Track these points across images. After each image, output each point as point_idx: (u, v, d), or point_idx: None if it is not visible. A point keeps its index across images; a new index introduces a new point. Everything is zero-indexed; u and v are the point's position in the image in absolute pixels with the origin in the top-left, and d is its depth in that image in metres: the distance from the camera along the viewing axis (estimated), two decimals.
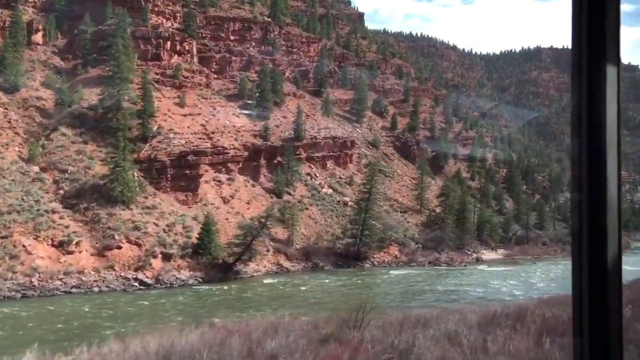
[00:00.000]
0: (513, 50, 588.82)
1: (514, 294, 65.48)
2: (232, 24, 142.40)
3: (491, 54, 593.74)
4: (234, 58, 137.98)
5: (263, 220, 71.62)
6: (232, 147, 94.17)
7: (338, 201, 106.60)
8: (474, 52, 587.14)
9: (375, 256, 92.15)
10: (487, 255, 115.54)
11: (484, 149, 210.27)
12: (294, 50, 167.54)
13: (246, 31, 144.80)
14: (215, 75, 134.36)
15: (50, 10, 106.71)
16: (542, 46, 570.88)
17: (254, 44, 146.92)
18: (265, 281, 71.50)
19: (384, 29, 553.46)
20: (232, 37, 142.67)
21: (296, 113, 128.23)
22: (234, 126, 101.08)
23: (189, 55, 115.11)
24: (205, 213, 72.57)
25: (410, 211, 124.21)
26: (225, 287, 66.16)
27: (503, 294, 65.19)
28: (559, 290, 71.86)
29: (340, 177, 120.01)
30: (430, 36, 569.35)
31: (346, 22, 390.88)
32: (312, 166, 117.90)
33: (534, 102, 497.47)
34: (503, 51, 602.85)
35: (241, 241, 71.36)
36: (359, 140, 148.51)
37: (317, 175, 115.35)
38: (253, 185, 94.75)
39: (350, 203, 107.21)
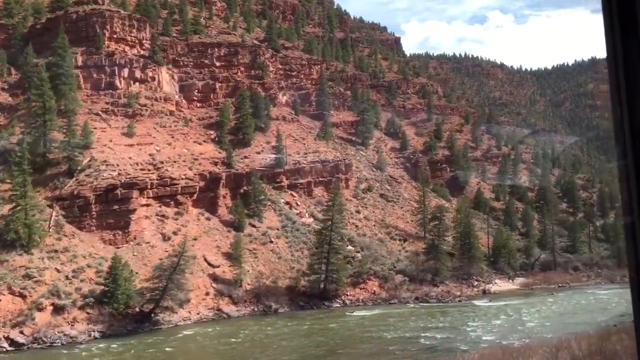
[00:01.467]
0: (566, 64, 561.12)
1: (482, 340, 51.22)
2: (216, 49, 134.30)
3: (543, 69, 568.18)
4: (218, 84, 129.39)
5: (175, 259, 60.07)
6: (183, 177, 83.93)
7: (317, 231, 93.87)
8: (524, 69, 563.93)
9: (348, 294, 78.80)
10: (500, 285, 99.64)
11: (517, 167, 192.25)
12: (293, 73, 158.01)
13: (232, 56, 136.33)
14: (199, 104, 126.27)
15: (4, 47, 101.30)
16: (598, 57, 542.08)
17: (242, 69, 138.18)
18: (187, 332, 59.80)
19: (426, 52, 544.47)
20: (217, 63, 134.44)
21: (285, 138, 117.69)
22: (192, 154, 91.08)
23: (154, 82, 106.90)
24: (115, 255, 61.83)
25: (411, 238, 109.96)
26: (131, 342, 54.84)
27: (466, 341, 50.99)
28: (548, 332, 56.80)
29: (326, 205, 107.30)
30: (475, 56, 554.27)
31: (379, 46, 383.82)
32: (295, 194, 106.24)
33: (592, 116, 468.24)
34: (555, 65, 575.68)
35: (155, 286, 60.16)
36: (361, 164, 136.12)
37: (299, 203, 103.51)
38: (208, 219, 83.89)
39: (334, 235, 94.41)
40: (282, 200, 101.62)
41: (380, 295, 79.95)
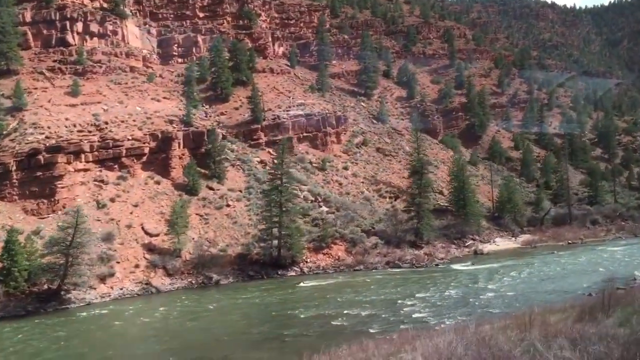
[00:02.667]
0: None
1: (411, 318, 42.30)
2: None
3: (599, 5, 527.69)
4: (201, 37, 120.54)
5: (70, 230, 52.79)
6: (130, 137, 76.49)
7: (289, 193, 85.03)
8: (577, 7, 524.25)
9: (308, 261, 70.40)
10: (499, 244, 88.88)
11: (548, 113, 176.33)
12: (291, 22, 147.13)
13: (217, 5, 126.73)
14: (181, 59, 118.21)
15: None
16: None
17: (229, 19, 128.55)
18: (100, 311, 53.22)
19: None
20: (200, 14, 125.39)
21: (261, 91, 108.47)
22: (146, 113, 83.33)
23: (116, 37, 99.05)
24: (12, 227, 55.27)
25: (405, 195, 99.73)
26: (23, 326, 48.57)
27: (390, 321, 42.13)
28: (501, 306, 46.82)
29: (310, 162, 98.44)
30: None
31: None
32: (273, 152, 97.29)
33: None
34: (613, 1, 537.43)
35: (56, 261, 53.45)
36: (360, 116, 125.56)
37: (276, 162, 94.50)
38: (158, 183, 76.47)
39: (306, 194, 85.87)
40: (257, 159, 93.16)
41: (345, 262, 71.10)
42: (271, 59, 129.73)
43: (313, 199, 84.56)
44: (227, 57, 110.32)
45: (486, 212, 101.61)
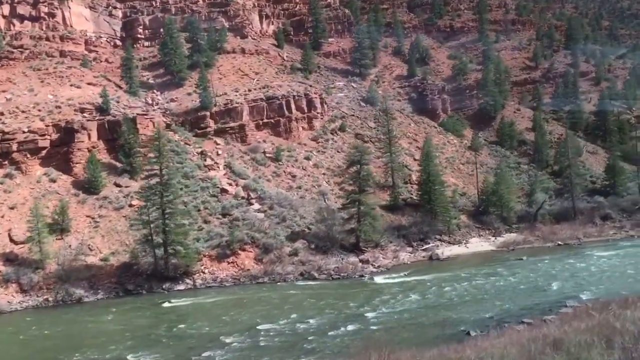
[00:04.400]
0: None
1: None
2: None
3: None
4: (171, 18, 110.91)
5: None
6: (27, 130, 68.10)
7: (222, 190, 74.18)
8: None
9: (205, 271, 59.50)
10: (471, 246, 74.35)
11: (592, 89, 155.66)
12: None
13: None
14: (147, 42, 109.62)
15: None
16: None
17: None
18: None
19: None
20: None
21: (222, 74, 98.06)
22: (57, 101, 74.65)
23: (53, 19, 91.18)
24: None
25: (377, 188, 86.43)
26: None
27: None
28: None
29: (264, 152, 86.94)
30: None
31: None
32: (219, 141, 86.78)
33: None
34: None
35: None
36: (348, 98, 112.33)
37: (220, 152, 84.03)
38: (53, 181, 67.65)
39: (238, 190, 74.80)
40: (197, 150, 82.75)
41: (249, 272, 59.54)
42: (254, 39, 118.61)
43: (245, 195, 73.17)
44: (185, 38, 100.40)
45: (472, 207, 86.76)
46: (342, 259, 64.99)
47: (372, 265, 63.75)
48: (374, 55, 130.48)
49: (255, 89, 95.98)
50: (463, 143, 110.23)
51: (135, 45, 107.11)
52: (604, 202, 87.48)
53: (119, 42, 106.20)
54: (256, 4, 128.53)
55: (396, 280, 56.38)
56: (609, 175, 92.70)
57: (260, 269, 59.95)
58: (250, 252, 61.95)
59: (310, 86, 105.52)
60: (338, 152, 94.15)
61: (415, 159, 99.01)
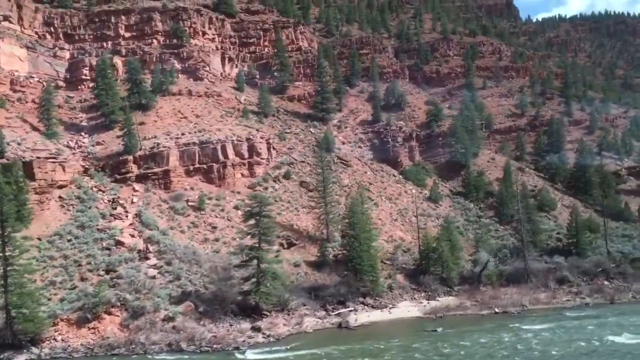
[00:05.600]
0: None
1: None
2: (124, 17, 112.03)
3: None
4: (120, 59, 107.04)
5: None
6: None
7: (117, 242, 66.91)
8: None
9: (58, 339, 51.77)
10: (396, 312, 65.56)
11: (586, 139, 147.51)
12: (251, 40, 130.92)
13: (145, 24, 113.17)
14: (92, 84, 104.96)
15: None
16: None
17: (161, 38, 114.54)
18: None
19: (559, 15, 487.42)
20: (126, 34, 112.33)
21: (159, 116, 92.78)
22: None
23: None
24: None
25: (308, 242, 78.77)
26: None
27: None
28: None
29: (187, 200, 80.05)
30: (620, 12, 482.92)
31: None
32: (139, 188, 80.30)
33: None
34: None
35: None
36: (302, 143, 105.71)
37: (135, 200, 77.38)
38: None
39: (137, 242, 67.63)
40: (109, 197, 76.20)
41: (107, 341, 51.56)
42: (211, 81, 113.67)
43: (142, 248, 65.88)
44: (122, 79, 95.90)
45: (412, 265, 78.10)
46: (232, 325, 56.80)
47: (262, 334, 55.39)
48: (339, 99, 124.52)
49: (190, 133, 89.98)
50: (422, 193, 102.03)
51: (79, 87, 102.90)
52: (562, 263, 77.89)
53: (61, 83, 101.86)
54: (219, 46, 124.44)
55: (271, 356, 47.94)
56: (571, 233, 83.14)
57: (123, 337, 52.03)
58: (117, 316, 54.23)
59: (258, 130, 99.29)
60: (275, 201, 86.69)
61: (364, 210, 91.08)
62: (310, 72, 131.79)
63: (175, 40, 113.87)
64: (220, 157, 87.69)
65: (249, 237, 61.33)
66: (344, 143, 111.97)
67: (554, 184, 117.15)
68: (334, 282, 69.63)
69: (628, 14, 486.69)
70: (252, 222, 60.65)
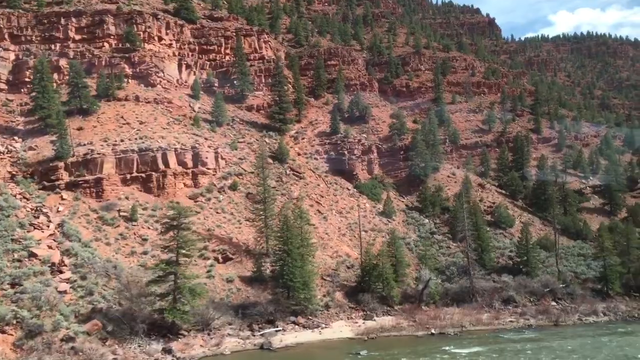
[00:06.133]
0: None
1: None
2: (74, 19, 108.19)
3: None
4: (65, 62, 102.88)
5: None
6: None
7: (31, 254, 62.39)
8: None
9: None
10: (328, 332, 61.67)
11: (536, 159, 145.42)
12: (211, 47, 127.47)
13: (97, 27, 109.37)
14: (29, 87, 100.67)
15: None
16: None
17: (114, 42, 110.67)
18: None
19: (541, 35, 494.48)
20: (77, 37, 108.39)
21: (99, 121, 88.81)
22: None
23: None
24: None
25: (246, 256, 74.88)
26: None
27: None
28: None
29: (119, 210, 75.86)
30: (602, 34, 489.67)
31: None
32: (67, 196, 75.97)
33: None
34: None
35: None
36: (254, 154, 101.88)
37: (61, 209, 73.00)
38: None
39: (50, 254, 63.22)
40: (32, 206, 71.74)
41: None
42: (165, 87, 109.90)
43: (57, 261, 61.49)
44: (64, 82, 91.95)
45: (354, 282, 74.39)
46: (140, 346, 52.56)
47: (173, 356, 51.24)
48: (299, 110, 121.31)
49: (130, 140, 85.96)
50: (376, 208, 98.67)
51: (22, 90, 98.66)
52: (509, 282, 74.68)
53: (3, 86, 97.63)
54: (177, 52, 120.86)
55: None
56: (520, 252, 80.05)
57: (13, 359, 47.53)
58: (11, 335, 49.70)
59: (207, 139, 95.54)
60: (217, 212, 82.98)
61: (310, 224, 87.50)
62: (272, 81, 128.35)
63: (128, 45, 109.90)
64: (161, 165, 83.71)
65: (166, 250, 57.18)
66: (299, 154, 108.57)
67: (514, 200, 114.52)
68: (265, 299, 65.78)
69: (609, 35, 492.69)
70: (170, 234, 56.57)
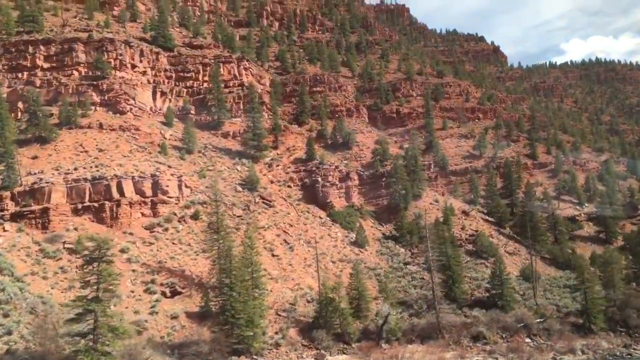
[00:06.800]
0: None
1: None
2: (43, 47, 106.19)
3: None
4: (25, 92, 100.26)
5: None
6: None
7: None
8: None
9: None
10: None
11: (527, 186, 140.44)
12: (188, 74, 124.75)
13: (66, 54, 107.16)
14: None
15: None
16: None
17: (84, 70, 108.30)
18: None
19: (549, 62, 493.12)
20: (45, 65, 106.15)
21: (70, 150, 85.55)
22: None
23: None
24: None
25: (200, 290, 70.04)
26: None
27: None
28: None
29: (64, 243, 71.69)
30: (610, 60, 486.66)
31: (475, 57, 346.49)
32: (10, 228, 72.02)
33: None
34: None
35: None
36: (224, 182, 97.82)
37: (0, 242, 68.97)
38: None
39: None
40: None
41: None
42: (137, 115, 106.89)
43: None
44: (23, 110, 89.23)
45: (312, 317, 68.96)
46: None
47: None
48: (276, 137, 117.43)
49: (84, 168, 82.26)
50: (349, 237, 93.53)
51: None
52: (480, 317, 68.81)
53: None
54: (152, 80, 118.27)
55: None
56: (494, 284, 74.19)
57: None
58: None
59: (170, 167, 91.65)
60: (173, 243, 78.48)
61: (274, 255, 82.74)
62: (246, 107, 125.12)
63: (99, 73, 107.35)
64: (115, 194, 79.71)
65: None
66: (272, 182, 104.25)
67: (501, 228, 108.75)
68: (209, 337, 60.57)
69: (619, 61, 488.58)
70: (89, 267, 51.91)
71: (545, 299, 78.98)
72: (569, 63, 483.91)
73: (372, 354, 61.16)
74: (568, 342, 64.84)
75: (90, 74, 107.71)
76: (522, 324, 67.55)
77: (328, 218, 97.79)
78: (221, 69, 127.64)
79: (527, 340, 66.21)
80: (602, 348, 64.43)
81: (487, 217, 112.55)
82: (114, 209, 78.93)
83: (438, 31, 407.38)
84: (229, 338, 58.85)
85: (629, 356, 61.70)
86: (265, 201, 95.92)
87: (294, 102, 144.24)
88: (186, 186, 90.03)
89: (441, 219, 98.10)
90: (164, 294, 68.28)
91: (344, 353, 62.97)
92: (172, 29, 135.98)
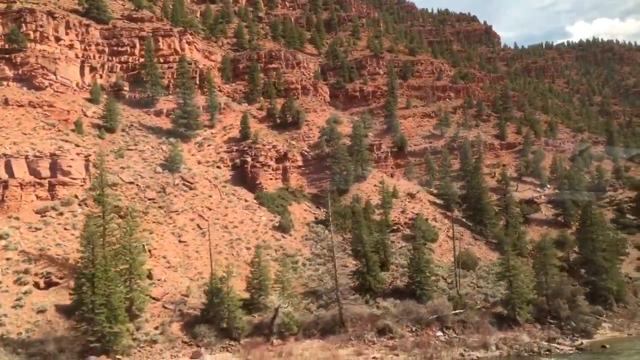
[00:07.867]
0: None
1: None
2: None
3: None
4: None
5: None
6: None
7: None
8: None
9: None
10: None
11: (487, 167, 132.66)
12: (123, 49, 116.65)
13: None
14: None
15: None
16: None
17: (2, 42, 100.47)
18: None
19: (546, 42, 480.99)
20: None
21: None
22: None
23: None
24: None
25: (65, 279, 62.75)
26: None
27: None
28: None
29: None
30: (608, 40, 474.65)
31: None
32: None
33: None
34: None
35: None
36: (145, 162, 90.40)
37: None
38: None
39: None
40: None
41: None
42: (58, 91, 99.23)
43: None
44: None
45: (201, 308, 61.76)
46: None
47: None
48: (212, 115, 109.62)
49: None
50: (273, 222, 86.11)
51: None
52: (390, 309, 61.54)
53: None
54: (80, 54, 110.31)
55: None
56: (412, 271, 66.77)
57: None
58: None
59: (78, 146, 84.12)
60: (65, 229, 71.16)
61: (181, 241, 75.51)
62: (177, 83, 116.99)
63: (15, 45, 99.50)
64: (3, 175, 72.34)
65: None
66: (200, 162, 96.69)
67: (448, 212, 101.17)
68: (66, 335, 53.42)
69: (617, 41, 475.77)
70: None
71: (475, 288, 71.65)
72: (566, 44, 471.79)
73: (257, 352, 53.99)
74: (483, 335, 57.56)
75: (7, 47, 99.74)
76: (435, 316, 60.21)
77: (255, 201, 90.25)
78: (160, 43, 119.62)
79: (439, 333, 59.01)
80: (521, 342, 57.25)
81: (435, 200, 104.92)
82: (0, 190, 71.56)
83: (430, 11, 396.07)
84: (85, 335, 51.68)
85: (547, 352, 54.41)
86: (186, 183, 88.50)
87: (247, 79, 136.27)
88: (95, 167, 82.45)
89: (380, 202, 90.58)
90: (37, 285, 61.14)
91: (228, 350, 55.86)
92: (112, 1, 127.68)
